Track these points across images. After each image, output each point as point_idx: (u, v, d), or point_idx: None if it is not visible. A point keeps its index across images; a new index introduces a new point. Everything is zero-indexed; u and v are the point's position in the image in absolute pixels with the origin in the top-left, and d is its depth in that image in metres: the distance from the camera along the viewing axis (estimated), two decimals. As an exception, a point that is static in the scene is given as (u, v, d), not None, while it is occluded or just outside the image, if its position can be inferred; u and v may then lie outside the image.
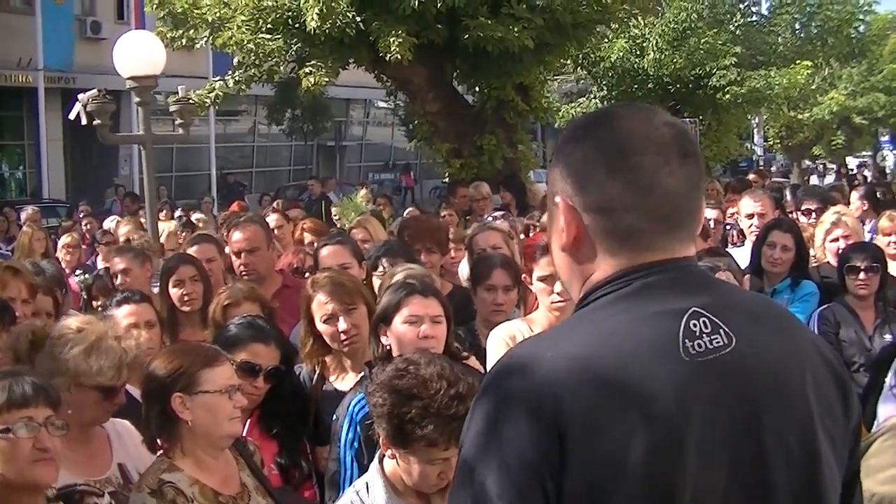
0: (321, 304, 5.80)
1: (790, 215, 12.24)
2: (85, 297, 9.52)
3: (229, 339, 5.38)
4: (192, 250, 8.34)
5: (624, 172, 2.35)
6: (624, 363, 2.24)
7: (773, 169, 49.71)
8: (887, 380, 6.42)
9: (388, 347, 5.16)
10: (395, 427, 4.00)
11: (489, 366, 5.84)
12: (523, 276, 6.28)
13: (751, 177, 21.21)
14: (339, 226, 14.47)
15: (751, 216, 9.50)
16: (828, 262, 9.11)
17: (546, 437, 2.19)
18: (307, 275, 8.30)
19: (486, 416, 2.28)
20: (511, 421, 2.22)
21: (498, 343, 5.99)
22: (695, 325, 2.30)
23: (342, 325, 5.70)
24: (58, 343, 4.65)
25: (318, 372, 5.89)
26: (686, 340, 2.28)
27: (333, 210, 19.05)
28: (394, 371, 4.13)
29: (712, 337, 2.30)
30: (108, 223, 14.17)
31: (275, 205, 19.06)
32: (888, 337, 7.77)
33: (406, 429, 3.97)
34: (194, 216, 16.54)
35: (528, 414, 2.21)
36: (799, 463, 2.34)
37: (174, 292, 7.33)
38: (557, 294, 5.89)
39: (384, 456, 4.21)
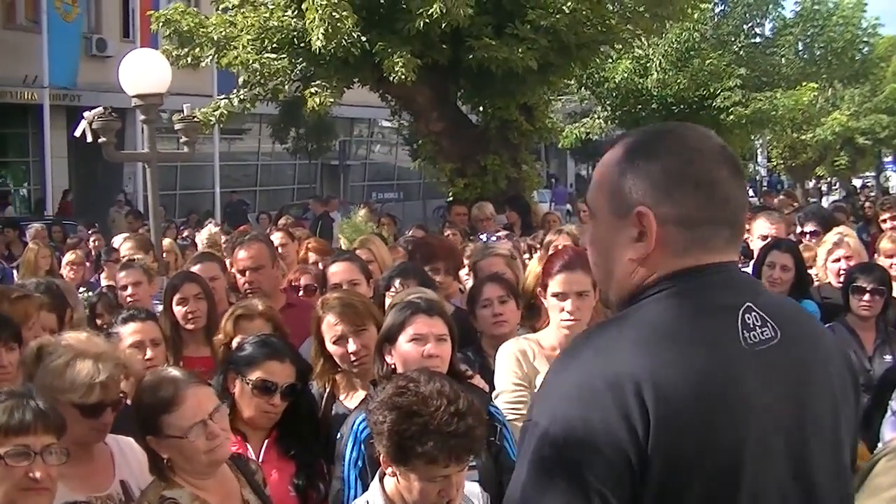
0: (331, 326, 5.81)
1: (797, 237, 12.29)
2: (88, 314, 9.51)
3: (244, 359, 5.39)
4: (195, 268, 8.35)
5: (707, 186, 2.60)
6: (696, 350, 2.49)
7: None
8: (892, 403, 6.45)
9: (392, 366, 5.16)
10: (396, 444, 4.01)
11: (496, 381, 5.87)
12: (538, 290, 6.27)
13: (781, 198, 21.31)
14: (340, 245, 14.45)
15: (764, 238, 9.48)
16: (829, 283, 9.13)
17: (632, 416, 2.38)
18: (316, 293, 8.35)
19: (563, 388, 2.49)
20: (593, 395, 2.42)
21: (507, 356, 6.01)
22: (748, 319, 2.57)
23: (352, 346, 5.72)
24: (46, 358, 4.63)
25: (328, 391, 5.91)
26: (744, 331, 2.54)
27: (335, 229, 19.08)
28: (394, 389, 4.15)
29: (762, 329, 2.57)
30: (118, 241, 14.12)
31: (280, 223, 19.08)
32: (888, 358, 7.77)
33: (406, 446, 3.98)
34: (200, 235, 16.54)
35: (612, 388, 2.41)
36: (830, 444, 2.64)
37: (178, 310, 7.34)
38: (569, 313, 5.92)
39: (385, 474, 4.23)
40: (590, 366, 2.49)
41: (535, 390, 5.81)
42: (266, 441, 5.35)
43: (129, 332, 6.33)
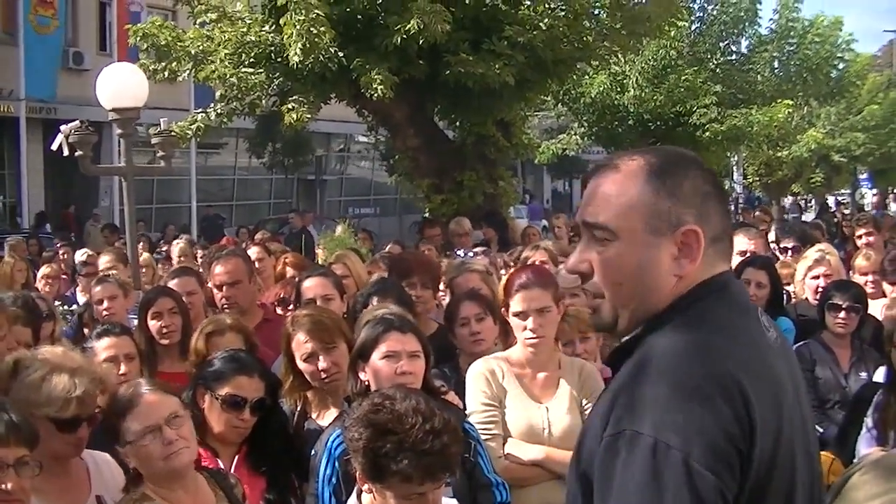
0: (300, 343, 5.83)
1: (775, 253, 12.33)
2: (76, 325, 9.49)
3: (213, 374, 5.40)
4: (172, 283, 8.35)
5: (723, 203, 2.81)
6: (758, 349, 2.69)
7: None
8: (866, 420, 6.49)
9: (366, 383, 5.19)
10: (371, 461, 4.01)
11: (468, 402, 5.87)
12: (502, 309, 6.29)
13: (757, 214, 21.37)
14: (320, 260, 14.45)
15: (743, 253, 9.51)
16: (805, 300, 9.16)
17: (740, 415, 2.49)
18: (291, 307, 8.34)
19: (663, 396, 2.52)
20: (698, 395, 2.50)
21: (476, 377, 5.99)
22: (764, 321, 2.80)
23: (322, 363, 5.74)
24: (22, 372, 4.62)
25: (299, 408, 5.91)
26: (767, 331, 2.77)
27: (317, 244, 19.05)
28: (370, 406, 4.15)
29: (771, 331, 2.79)
30: (80, 255, 14.00)
31: (258, 237, 19.06)
32: (863, 375, 7.81)
33: (381, 463, 3.98)
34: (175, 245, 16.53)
35: (719, 389, 2.51)
36: (811, 426, 2.90)
37: (153, 324, 7.33)
38: (531, 331, 5.92)
39: (361, 490, 4.22)
40: (684, 369, 2.55)
41: (504, 409, 5.87)
42: (237, 457, 5.35)
43: (103, 347, 6.35)
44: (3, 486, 3.85)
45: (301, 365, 5.82)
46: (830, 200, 59.51)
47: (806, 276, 9.27)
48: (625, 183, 2.74)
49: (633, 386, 2.61)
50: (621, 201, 2.73)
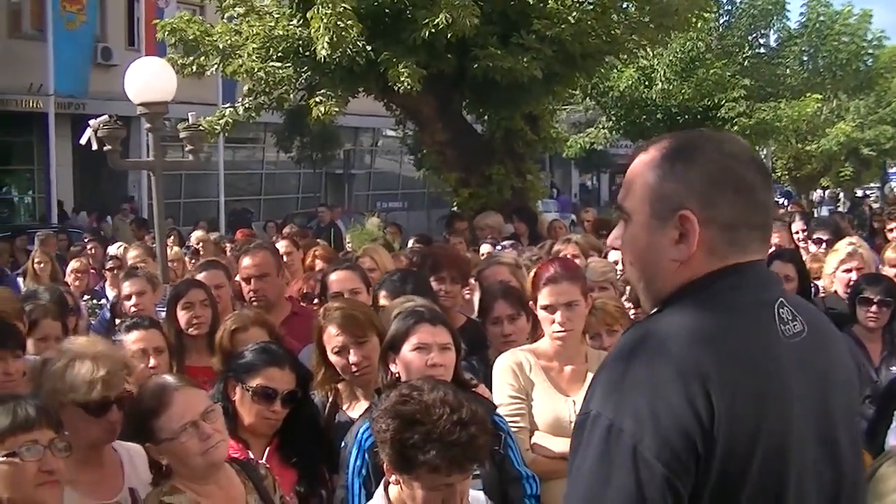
0: (332, 336, 5.82)
1: (799, 244, 12.28)
2: (107, 318, 9.53)
3: (244, 366, 5.40)
4: (201, 276, 8.37)
5: (744, 192, 2.73)
6: (747, 343, 2.63)
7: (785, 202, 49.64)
8: (896, 414, 6.44)
9: (397, 375, 5.17)
10: (398, 452, 4.02)
11: (494, 395, 5.86)
12: (530, 303, 6.28)
13: (789, 208, 21.32)
14: (350, 254, 14.48)
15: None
16: (835, 293, 9.11)
17: (698, 407, 2.49)
18: (315, 301, 8.35)
19: (626, 380, 2.57)
20: (657, 384, 2.52)
21: (503, 370, 6.01)
22: (783, 313, 2.72)
23: (353, 357, 5.73)
24: (47, 363, 4.70)
25: (330, 400, 5.91)
26: (781, 325, 2.70)
27: (345, 237, 19.09)
28: (397, 397, 4.15)
29: (794, 323, 2.72)
30: (114, 249, 14.15)
31: (284, 231, 19.10)
32: (894, 369, 7.76)
33: (409, 454, 3.99)
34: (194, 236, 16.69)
35: (677, 378, 2.51)
36: (849, 432, 2.79)
37: (182, 315, 7.36)
38: (559, 324, 5.93)
39: (389, 482, 4.23)
40: (653, 359, 2.57)
41: (531, 401, 5.87)
42: (268, 449, 5.35)
43: (132, 340, 6.35)
44: (45, 468, 3.91)
45: (332, 358, 5.81)
46: (860, 194, 59.25)
47: (838, 269, 9.21)
48: (644, 165, 2.81)
49: (608, 366, 2.70)
50: (636, 183, 2.81)
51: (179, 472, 4.39)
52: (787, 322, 2.72)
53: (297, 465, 5.36)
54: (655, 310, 2.81)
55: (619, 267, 8.12)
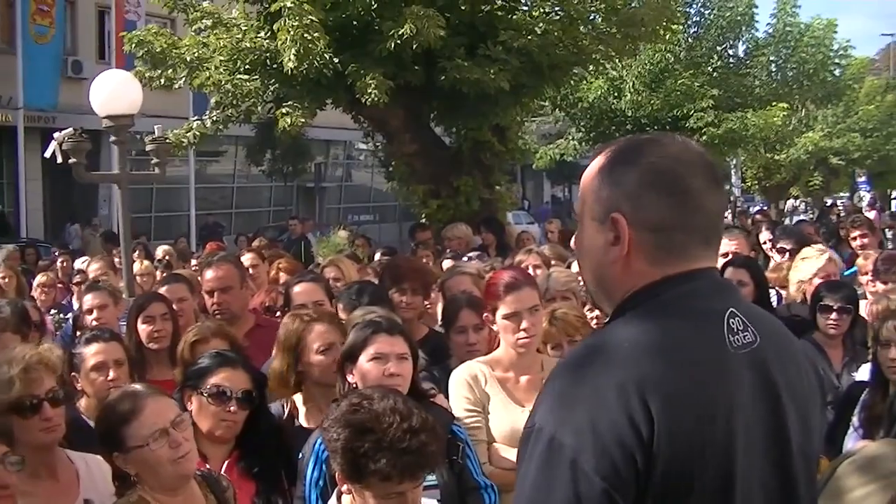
0: (320, 334, 5.88)
1: (768, 253, 12.34)
2: (70, 331, 9.51)
3: (197, 372, 5.43)
4: (163, 290, 8.36)
5: (678, 195, 2.70)
6: (691, 354, 2.60)
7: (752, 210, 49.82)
8: (853, 419, 6.50)
9: (354, 385, 5.17)
10: (350, 461, 4.02)
11: (452, 406, 5.87)
12: (485, 314, 6.28)
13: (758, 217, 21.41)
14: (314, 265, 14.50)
15: (725, 255, 9.51)
16: (802, 301, 9.14)
17: (637, 420, 2.47)
18: (278, 314, 8.36)
19: (568, 393, 2.57)
20: (598, 397, 2.51)
21: (459, 383, 6.00)
22: (733, 323, 2.68)
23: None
24: None
25: (287, 410, 5.90)
26: (729, 335, 2.66)
27: (314, 250, 19.09)
28: (348, 406, 4.16)
29: (744, 334, 2.68)
30: (80, 263, 14.13)
31: (255, 243, 19.06)
32: (855, 375, 7.77)
33: (360, 463, 3.98)
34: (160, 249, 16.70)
35: (617, 391, 2.50)
36: (802, 446, 2.75)
37: (143, 328, 7.36)
38: (524, 330, 5.93)
39: (342, 492, 4.23)
40: (595, 372, 2.56)
41: (488, 414, 5.88)
42: (227, 461, 5.34)
43: (91, 353, 6.33)
44: (2, 481, 3.90)
45: (315, 358, 5.83)
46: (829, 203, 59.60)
47: (815, 276, 9.23)
48: (590, 169, 2.85)
49: (553, 379, 2.69)
50: (583, 188, 2.86)
51: (148, 483, 4.35)
52: (737, 332, 2.69)
53: (256, 477, 5.35)
54: (608, 319, 2.82)
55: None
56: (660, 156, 2.74)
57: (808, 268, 9.36)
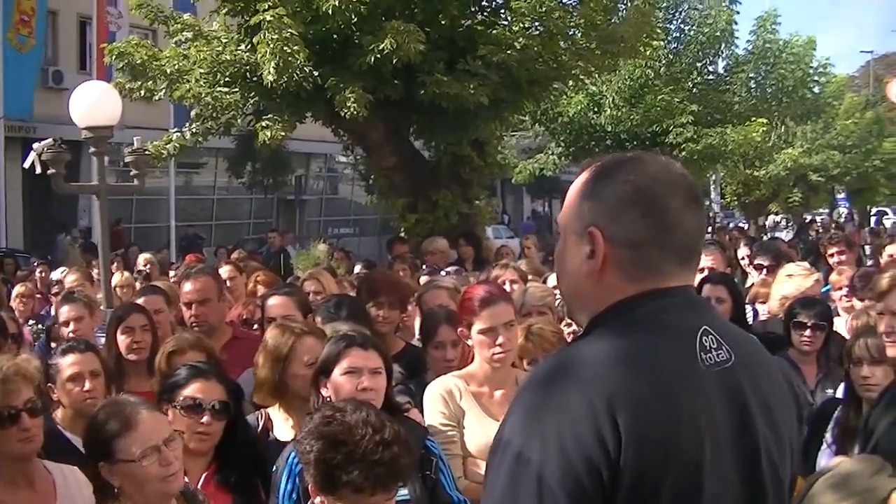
0: (310, 347, 5.86)
1: (746, 269, 12.40)
2: (43, 342, 9.51)
3: (172, 385, 5.44)
4: (140, 301, 8.36)
5: (655, 214, 2.72)
6: (661, 372, 2.61)
7: (731, 226, 49.95)
8: (826, 435, 6.53)
9: (328, 399, 5.19)
10: (323, 473, 4.05)
11: (427, 420, 5.89)
12: (459, 329, 6.29)
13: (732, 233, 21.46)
14: (293, 278, 14.50)
15: (701, 270, 9.56)
16: (776, 317, 9.18)
17: (605, 434, 2.48)
18: (255, 327, 8.37)
19: (536, 407, 2.58)
20: (565, 412, 2.51)
21: (433, 398, 6.02)
22: (706, 341, 2.70)
23: None
24: None
25: (261, 423, 5.91)
26: (701, 353, 2.67)
27: (293, 262, 19.11)
28: (321, 418, 4.19)
29: (718, 352, 2.70)
30: (57, 273, 14.11)
31: (234, 256, 19.08)
32: (829, 392, 7.79)
33: (333, 474, 4.02)
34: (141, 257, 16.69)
35: (585, 405, 2.51)
36: (776, 457, 2.76)
37: (122, 339, 7.35)
38: (500, 346, 5.94)
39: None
40: (563, 387, 2.57)
41: (463, 428, 5.90)
42: (204, 474, 5.35)
43: (67, 364, 6.32)
44: None
45: (302, 370, 5.79)
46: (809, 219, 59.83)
47: (804, 292, 9.27)
48: (574, 185, 2.88)
49: (523, 392, 2.71)
50: (566, 202, 2.88)
51: (132, 497, 4.35)
52: (710, 350, 2.70)
53: (233, 490, 5.35)
54: (581, 332, 2.85)
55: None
56: (639, 174, 2.77)
57: (794, 286, 9.41)
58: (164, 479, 4.34)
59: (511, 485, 2.52)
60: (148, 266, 15.61)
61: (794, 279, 9.46)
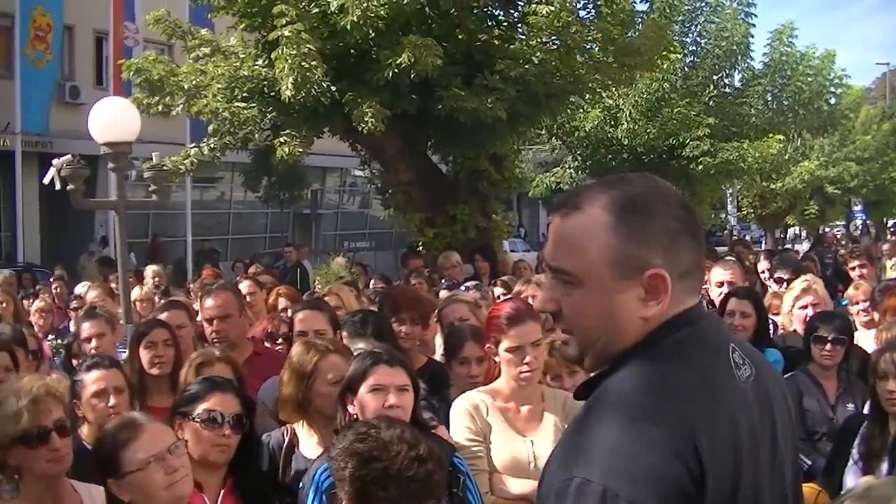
0: (335, 365, 5.84)
1: (766, 283, 12.38)
2: (63, 358, 9.52)
3: (187, 399, 5.44)
4: (162, 316, 8.36)
5: (696, 239, 2.75)
6: (719, 393, 2.64)
7: (748, 238, 49.83)
8: (853, 451, 6.49)
9: (354, 416, 5.18)
10: (357, 490, 4.03)
11: (454, 435, 5.88)
12: (486, 346, 6.27)
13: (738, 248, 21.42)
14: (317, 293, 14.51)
15: (720, 284, 9.55)
16: (794, 331, 9.18)
17: (691, 464, 2.47)
18: (280, 340, 8.37)
19: (614, 443, 2.50)
20: (649, 446, 2.47)
21: (460, 413, 6.00)
22: (735, 357, 2.73)
23: None
24: None
25: (286, 440, 5.90)
26: (736, 370, 2.71)
27: (313, 277, 19.11)
28: (355, 435, 4.17)
29: (744, 368, 2.73)
30: (80, 288, 14.13)
31: (251, 270, 19.09)
32: (850, 407, 7.79)
33: (367, 491, 4.01)
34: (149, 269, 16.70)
35: (669, 438, 2.49)
36: (791, 460, 2.82)
37: (145, 354, 7.35)
38: (526, 364, 5.93)
39: (347, 521, 4.23)
40: (636, 420, 2.52)
41: (489, 444, 5.88)
42: (222, 491, 5.35)
43: (91, 380, 6.35)
44: None
45: (327, 388, 5.78)
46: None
47: (794, 306, 9.31)
48: (589, 228, 2.70)
49: (586, 427, 2.61)
50: (587, 247, 2.70)
51: None
52: (740, 366, 2.71)
53: (251, 503, 5.37)
54: (606, 365, 2.76)
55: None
56: (669, 203, 2.73)
57: (787, 299, 9.48)
58: (171, 485, 4.36)
59: None
60: (157, 279, 15.61)
61: (788, 293, 9.54)
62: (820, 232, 54.46)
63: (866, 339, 8.94)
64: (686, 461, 2.45)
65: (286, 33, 15.69)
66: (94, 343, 8.61)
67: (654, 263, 2.64)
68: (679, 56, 28.35)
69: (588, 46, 18.90)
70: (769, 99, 32.82)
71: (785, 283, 11.31)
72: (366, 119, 16.06)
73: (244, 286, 10.59)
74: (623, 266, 2.65)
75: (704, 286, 9.69)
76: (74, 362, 8.62)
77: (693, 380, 2.61)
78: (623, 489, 2.41)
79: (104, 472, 4.48)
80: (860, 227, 63.25)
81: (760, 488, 2.61)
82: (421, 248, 19.32)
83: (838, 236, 50.08)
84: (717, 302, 9.26)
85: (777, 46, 33.75)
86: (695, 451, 2.47)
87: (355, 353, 5.65)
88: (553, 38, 17.93)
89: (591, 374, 2.83)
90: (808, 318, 8.75)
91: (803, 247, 43.47)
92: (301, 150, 17.53)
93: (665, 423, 2.49)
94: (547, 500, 2.58)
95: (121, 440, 4.42)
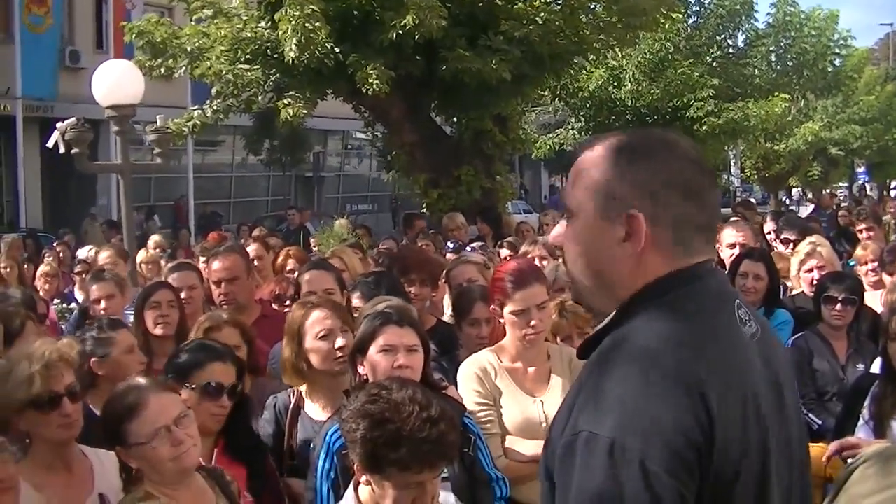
0: (319, 320, 5.83)
1: (772, 244, 12.35)
2: (76, 321, 9.48)
3: (185, 365, 5.40)
4: (172, 277, 8.35)
5: (694, 195, 2.72)
6: (726, 347, 2.65)
7: (752, 200, 49.79)
8: (863, 411, 6.47)
9: (365, 377, 5.15)
10: (369, 452, 4.01)
11: (463, 398, 5.85)
12: (491, 307, 6.24)
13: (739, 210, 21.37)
14: (318, 255, 14.47)
15: (732, 246, 9.51)
16: (803, 292, 9.16)
17: (700, 416, 2.48)
18: (288, 302, 8.35)
19: (621, 396, 2.51)
20: (658, 398, 2.49)
21: (468, 377, 5.99)
22: (741, 313, 2.75)
23: (339, 341, 5.72)
24: None
25: (293, 402, 5.89)
26: (742, 326, 2.73)
27: (312, 240, 19.06)
28: (366, 397, 4.14)
29: (749, 324, 2.76)
30: (84, 252, 14.08)
31: (255, 234, 19.05)
32: (860, 367, 7.78)
33: (379, 453, 3.98)
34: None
35: (677, 389, 2.50)
36: (796, 420, 2.85)
37: (149, 314, 7.33)
38: (532, 327, 5.91)
39: (359, 483, 4.22)
40: (644, 372, 2.53)
41: (500, 407, 5.86)
42: (215, 451, 5.33)
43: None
44: None
45: (314, 344, 5.78)
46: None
47: (800, 270, 9.29)
48: (586, 164, 2.80)
49: (595, 381, 2.61)
50: (580, 182, 2.80)
51: (150, 477, 4.34)
52: (746, 322, 2.74)
53: (245, 461, 5.35)
54: (614, 314, 2.78)
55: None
56: (671, 154, 2.75)
57: (793, 262, 9.46)
58: (177, 458, 4.33)
59: (610, 478, 2.43)
60: (158, 249, 15.55)
61: (794, 257, 9.54)
62: (822, 193, 54.36)
63: (874, 300, 8.91)
64: (696, 413, 2.46)
65: (289, -6, 15.63)
66: (103, 304, 8.61)
67: (634, 205, 2.68)
68: (682, 16, 28.23)
69: (592, 6, 18.90)
70: (773, 60, 32.75)
71: (791, 244, 11.28)
72: (370, 81, 16.03)
73: (251, 249, 10.54)
74: (606, 203, 2.72)
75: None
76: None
77: (702, 333, 2.62)
78: (631, 442, 2.42)
79: (112, 440, 4.46)
80: (858, 189, 63.16)
81: (768, 443, 2.62)
82: (425, 209, 19.29)
83: (840, 198, 49.92)
84: (727, 263, 9.22)
85: (781, 6, 33.73)
86: (704, 404, 2.48)
87: (370, 312, 5.59)
88: (557, -2, 17.90)
89: (594, 331, 2.84)
90: (815, 280, 8.73)
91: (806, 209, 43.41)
92: (305, 111, 17.49)
93: (673, 376, 2.50)
94: (554, 456, 2.60)
95: (126, 410, 4.37)
